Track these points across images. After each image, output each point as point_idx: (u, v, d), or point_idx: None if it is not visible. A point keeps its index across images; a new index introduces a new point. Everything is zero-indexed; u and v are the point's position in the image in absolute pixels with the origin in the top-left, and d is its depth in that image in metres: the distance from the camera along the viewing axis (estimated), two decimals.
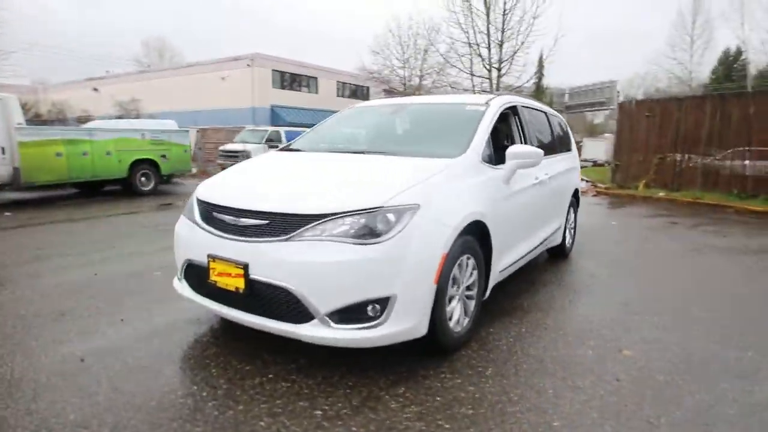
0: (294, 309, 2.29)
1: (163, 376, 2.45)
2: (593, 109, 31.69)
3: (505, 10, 17.18)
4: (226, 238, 2.46)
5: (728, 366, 2.67)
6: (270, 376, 2.46)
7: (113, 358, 2.63)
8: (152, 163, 10.96)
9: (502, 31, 17.38)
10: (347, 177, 2.72)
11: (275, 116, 26.49)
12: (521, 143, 3.64)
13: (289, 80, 28.91)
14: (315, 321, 2.26)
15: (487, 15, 17.42)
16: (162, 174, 11.25)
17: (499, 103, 3.51)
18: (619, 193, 12.03)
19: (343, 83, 31.88)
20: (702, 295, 3.93)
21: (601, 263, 4.89)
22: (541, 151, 3.16)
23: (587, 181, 13.31)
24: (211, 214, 2.61)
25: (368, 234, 2.24)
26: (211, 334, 2.97)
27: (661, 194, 11.29)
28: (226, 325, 3.06)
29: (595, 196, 11.99)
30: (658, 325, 3.23)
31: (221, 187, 2.84)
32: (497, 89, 17.73)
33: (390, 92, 26.10)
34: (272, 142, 15.28)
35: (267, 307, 2.36)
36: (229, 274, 2.41)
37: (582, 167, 14.66)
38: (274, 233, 2.33)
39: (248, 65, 26.25)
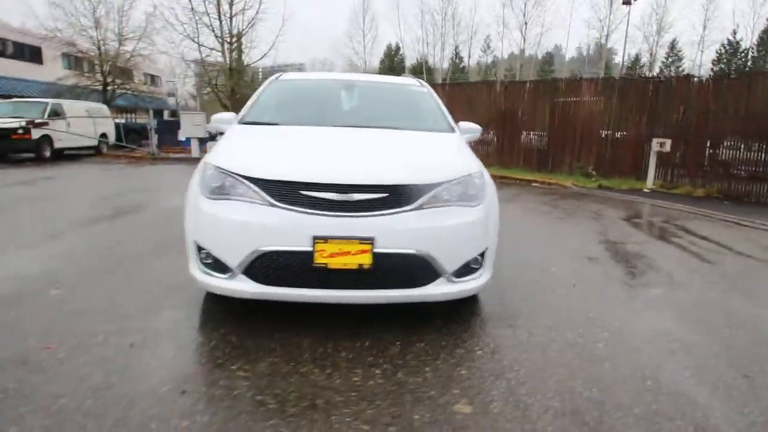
0: (420, 274, 2.46)
1: None
2: None
3: None
4: (339, 216, 2.35)
5: None
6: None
7: None
8: None
9: (231, 4, 16.94)
10: (404, 149, 2.91)
11: None
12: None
13: None
14: (439, 280, 2.49)
15: None
16: None
17: (429, 85, 4.12)
18: None
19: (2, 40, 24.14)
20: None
21: None
22: (479, 127, 3.94)
23: None
24: (298, 192, 2.38)
25: (469, 198, 2.60)
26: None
27: None
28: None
29: None
30: None
31: (283, 164, 2.54)
32: (231, 63, 17.31)
33: (77, 58, 21.64)
34: None
35: (388, 278, 2.43)
36: (348, 253, 2.34)
37: None
38: (399, 204, 2.40)
39: None
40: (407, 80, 4.19)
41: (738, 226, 6.36)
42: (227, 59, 17.30)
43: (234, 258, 2.41)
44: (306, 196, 2.37)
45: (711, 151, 10.06)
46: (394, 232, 2.36)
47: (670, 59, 41.79)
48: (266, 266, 2.38)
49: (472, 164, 2.79)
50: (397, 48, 46.59)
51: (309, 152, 2.77)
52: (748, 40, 40.24)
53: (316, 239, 2.32)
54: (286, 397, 2.02)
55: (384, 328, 2.68)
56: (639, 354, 2.53)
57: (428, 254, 2.41)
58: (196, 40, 17.05)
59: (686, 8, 49.49)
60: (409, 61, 46.10)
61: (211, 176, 2.55)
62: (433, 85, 7.47)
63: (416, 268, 2.44)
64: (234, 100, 16.09)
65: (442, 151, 2.95)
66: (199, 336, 2.58)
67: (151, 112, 16.14)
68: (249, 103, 3.58)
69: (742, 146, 9.65)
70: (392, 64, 46.20)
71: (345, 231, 2.33)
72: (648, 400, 2.08)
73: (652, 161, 9.92)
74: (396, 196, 2.41)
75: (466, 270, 2.57)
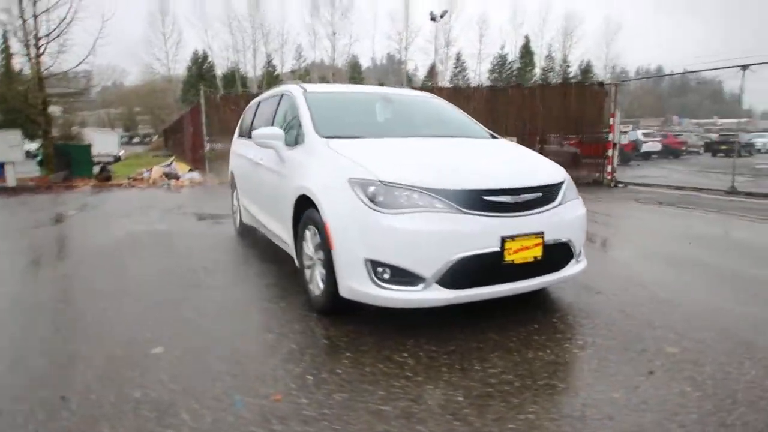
0: (564, 258, 2.91)
1: None
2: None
3: None
4: (516, 216, 2.64)
5: None
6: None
7: None
8: None
9: (34, 2, 13.99)
10: (506, 154, 3.29)
11: None
12: None
13: None
14: (572, 262, 2.98)
15: None
16: None
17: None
18: (225, 181, 13.22)
19: None
20: None
21: None
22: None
23: (195, 171, 13.67)
24: (482, 199, 2.59)
25: (575, 193, 3.12)
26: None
27: None
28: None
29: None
30: None
31: (456, 174, 2.68)
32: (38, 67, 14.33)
33: None
34: None
35: (548, 265, 2.81)
36: (527, 248, 2.65)
37: (101, 163, 14.50)
38: (550, 201, 2.81)
39: None
40: (423, 93, 4.50)
41: None
42: (34, 64, 14.24)
43: (429, 268, 2.48)
44: (488, 201, 2.59)
45: (540, 146, 12.47)
46: (554, 225, 2.76)
47: (457, 69, 48.79)
48: (459, 271, 2.52)
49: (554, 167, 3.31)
50: (205, 55, 43.99)
51: (447, 162, 2.94)
52: (513, 54, 49.64)
53: (504, 239, 2.56)
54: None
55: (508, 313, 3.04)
56: None
57: (570, 241, 2.87)
58: None
59: (465, 26, 58.12)
60: (220, 70, 44.00)
61: (383, 191, 2.55)
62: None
63: (564, 254, 2.87)
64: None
65: (531, 155, 3.40)
66: None
67: None
68: (308, 119, 3.43)
69: (565, 136, 12.27)
70: (201, 71, 43.42)
71: (524, 229, 2.64)
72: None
73: None
74: (547, 195, 2.81)
75: (581, 252, 3.10)
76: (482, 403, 2.00)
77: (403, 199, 2.54)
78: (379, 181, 2.59)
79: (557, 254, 2.82)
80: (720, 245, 5.17)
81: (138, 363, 2.37)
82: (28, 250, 5.00)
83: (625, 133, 18.75)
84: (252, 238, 5.27)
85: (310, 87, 3.98)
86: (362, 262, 2.54)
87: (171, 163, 13.55)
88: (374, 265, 2.53)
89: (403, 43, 45.34)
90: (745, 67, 9.29)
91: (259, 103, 5.04)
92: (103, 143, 28.68)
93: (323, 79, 45.10)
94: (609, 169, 11.30)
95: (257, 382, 2.19)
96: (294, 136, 3.53)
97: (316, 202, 2.83)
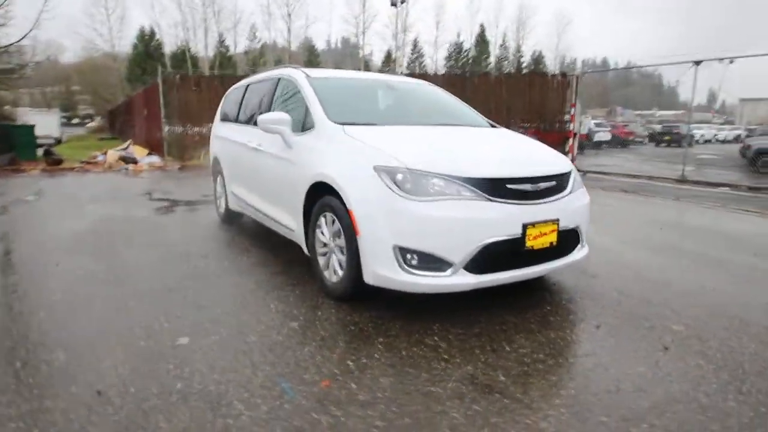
0: (573, 244, 3.06)
1: None
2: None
3: None
4: (536, 204, 2.75)
5: None
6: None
7: None
8: None
9: None
10: (510, 144, 3.39)
11: None
12: None
13: None
14: (578, 247, 3.15)
15: None
16: None
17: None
18: (187, 165, 12.79)
19: None
20: None
21: None
22: None
23: (155, 155, 13.09)
24: (505, 187, 2.68)
25: (580, 182, 3.26)
26: None
27: None
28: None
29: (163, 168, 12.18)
30: None
31: (478, 162, 2.76)
32: None
33: None
34: None
35: (560, 250, 2.95)
36: (545, 234, 2.78)
37: (44, 145, 13.61)
38: (562, 189, 2.94)
39: None
40: (419, 81, 4.53)
41: None
42: None
43: (458, 254, 2.56)
44: (511, 189, 2.69)
45: None
46: (567, 212, 2.90)
47: (414, 55, 48.90)
48: (484, 257, 2.61)
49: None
50: (152, 32, 41.70)
51: (465, 150, 3.01)
52: (469, 41, 50.26)
53: (525, 225, 2.67)
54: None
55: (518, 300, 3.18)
56: None
57: (579, 227, 3.03)
58: None
59: (423, 12, 58.18)
60: (169, 48, 41.93)
61: (410, 178, 2.59)
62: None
63: (573, 240, 3.03)
64: None
65: (539, 145, 3.51)
66: None
67: None
68: (317, 105, 3.38)
69: (527, 125, 12.66)
70: (148, 50, 41.19)
71: (542, 215, 2.76)
72: None
73: None
74: (560, 183, 2.94)
75: (584, 238, 3.27)
76: (524, 381, 2.11)
77: (430, 187, 2.59)
78: (407, 168, 2.62)
79: (568, 240, 2.97)
80: (688, 230, 5.56)
81: (168, 354, 2.31)
82: None
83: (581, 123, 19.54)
84: (238, 224, 5.17)
85: (312, 72, 3.91)
86: (391, 248, 2.58)
87: (128, 147, 12.88)
88: (403, 252, 2.58)
89: (360, 27, 44.86)
90: (698, 63, 9.89)
91: (248, 86, 4.90)
92: (43, 124, 26.82)
93: (279, 61, 44.01)
94: (569, 157, 11.79)
95: (299, 369, 2.20)
96: (300, 122, 3.48)
97: (338, 189, 2.83)
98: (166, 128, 13.69)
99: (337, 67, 44.79)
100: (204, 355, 2.31)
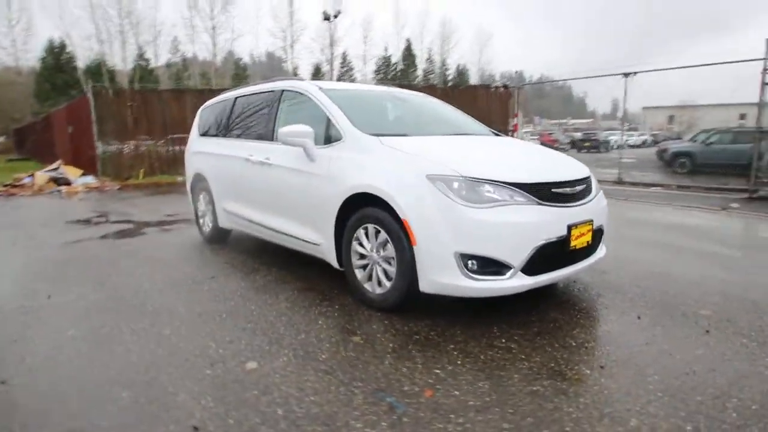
0: (598, 242, 3.27)
1: None
2: None
3: None
4: (575, 206, 2.92)
5: None
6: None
7: None
8: None
9: None
10: (533, 151, 3.54)
11: None
12: None
13: None
14: (601, 245, 3.36)
15: None
16: None
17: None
18: (127, 185, 12.06)
19: None
20: None
21: None
22: None
23: (89, 175, 12.13)
24: (550, 191, 2.81)
25: (599, 186, 3.51)
26: None
27: (179, 179, 12.50)
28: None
29: (106, 190, 11.46)
30: None
31: (521, 169, 2.89)
32: None
33: None
34: None
35: (589, 250, 3.13)
36: (583, 234, 2.94)
37: None
38: (590, 192, 3.14)
39: None
40: (421, 93, 4.62)
41: None
42: None
43: (517, 257, 2.65)
44: (555, 193, 2.83)
45: None
46: (597, 213, 3.10)
47: (344, 69, 49.17)
48: (538, 258, 2.72)
49: None
50: (63, 45, 38.61)
51: (502, 158, 3.15)
52: (396, 56, 51.48)
53: (570, 227, 2.83)
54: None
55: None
56: None
57: (603, 227, 3.24)
58: None
59: (351, 27, 58.85)
60: (82, 61, 39.03)
61: (465, 186, 2.65)
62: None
63: (598, 239, 3.22)
64: None
65: (552, 151, 3.70)
66: None
67: None
68: (342, 117, 3.35)
69: None
70: (58, 63, 38.09)
71: (581, 217, 2.93)
72: None
73: None
74: (588, 186, 3.14)
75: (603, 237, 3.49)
76: (610, 373, 2.22)
77: (484, 193, 2.66)
78: (462, 176, 2.68)
79: (596, 239, 3.16)
80: (657, 227, 6.02)
81: (245, 381, 2.18)
82: None
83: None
84: (227, 243, 4.95)
85: (324, 84, 3.88)
86: (452, 255, 2.61)
87: (58, 167, 11.82)
88: (464, 258, 2.62)
89: (288, 40, 44.50)
90: (627, 75, 10.86)
91: (236, 99, 4.73)
92: None
93: (204, 75, 42.49)
94: None
95: (392, 382, 2.16)
96: (321, 135, 3.43)
97: (387, 199, 2.82)
98: (99, 147, 12.76)
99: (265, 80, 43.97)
100: (285, 378, 2.20)
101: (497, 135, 4.12)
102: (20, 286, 3.65)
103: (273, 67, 54.30)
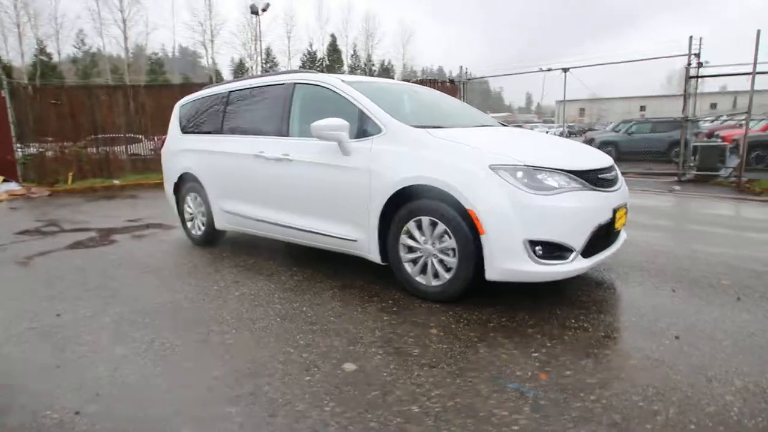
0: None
1: None
2: None
3: None
4: (614, 191, 3.11)
5: None
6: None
7: None
8: None
9: None
10: (556, 141, 3.71)
11: None
12: None
13: None
14: (624, 229, 3.61)
15: None
16: None
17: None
18: (57, 190, 11.01)
19: None
20: None
21: None
22: None
23: (11, 181, 10.85)
24: (598, 177, 2.98)
25: None
26: None
27: (116, 182, 11.61)
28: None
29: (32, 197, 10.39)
30: None
31: (570, 157, 3.02)
32: None
33: None
34: None
35: (618, 233, 3.35)
36: (621, 216, 3.16)
37: None
38: (618, 177, 3.36)
39: None
40: (425, 87, 4.66)
41: None
42: None
43: (579, 241, 2.78)
44: (600, 178, 3.00)
45: None
46: (626, 197, 3.32)
47: (268, 65, 47.74)
48: (593, 241, 2.88)
49: None
50: None
51: (539, 147, 3.29)
52: (321, 51, 50.87)
53: (615, 210, 3.01)
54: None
55: None
56: None
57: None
58: None
59: (272, 22, 57.04)
60: None
61: (528, 174, 2.73)
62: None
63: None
64: None
65: (571, 141, 3.89)
66: None
67: None
68: (378, 109, 3.29)
69: None
70: None
71: (620, 201, 3.13)
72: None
73: None
74: (617, 173, 3.35)
75: None
76: (687, 341, 2.41)
77: (545, 181, 2.76)
78: (525, 165, 2.76)
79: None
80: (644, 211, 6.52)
81: (354, 382, 2.10)
82: None
83: None
84: (222, 245, 4.71)
85: (346, 77, 3.78)
86: (521, 242, 2.69)
87: None
88: (532, 244, 2.70)
89: (208, 34, 42.45)
90: (565, 70, 11.61)
91: (231, 93, 4.48)
92: None
93: (115, 71, 39.42)
94: None
95: (502, 368, 2.19)
96: (353, 128, 3.36)
97: (449, 191, 2.82)
98: (18, 150, 11.46)
99: (185, 76, 41.78)
100: (395, 377, 2.15)
101: (504, 126, 4.26)
102: (12, 308, 3.21)
103: (188, 63, 51.59)
